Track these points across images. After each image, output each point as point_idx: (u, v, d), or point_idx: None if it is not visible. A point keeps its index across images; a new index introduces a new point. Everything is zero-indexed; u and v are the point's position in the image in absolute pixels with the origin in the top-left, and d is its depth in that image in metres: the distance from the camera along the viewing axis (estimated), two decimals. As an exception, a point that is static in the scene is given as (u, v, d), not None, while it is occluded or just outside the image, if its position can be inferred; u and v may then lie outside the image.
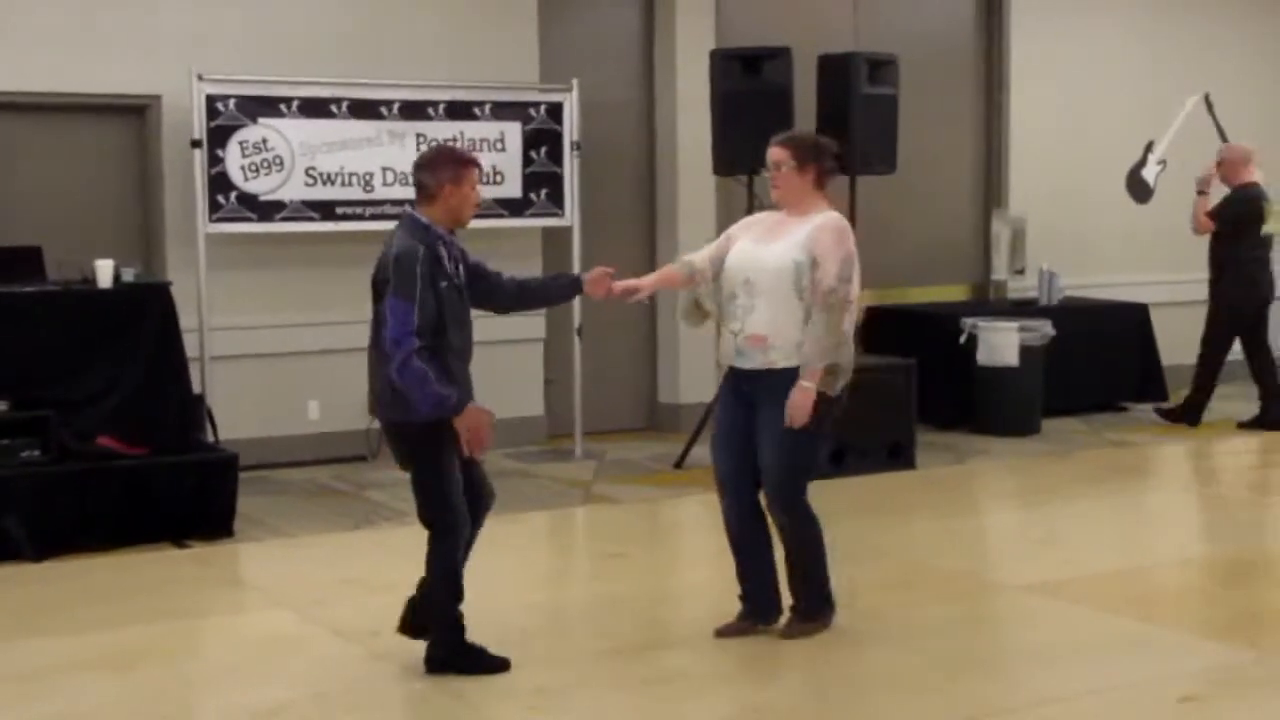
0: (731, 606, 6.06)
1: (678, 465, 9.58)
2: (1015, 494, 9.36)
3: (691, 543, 8.39)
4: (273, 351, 9.32)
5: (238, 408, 8.95)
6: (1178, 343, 11.77)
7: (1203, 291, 11.05)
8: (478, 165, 5.57)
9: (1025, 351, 10.53)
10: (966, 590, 6.84)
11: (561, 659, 5.83)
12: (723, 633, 5.97)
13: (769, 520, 5.95)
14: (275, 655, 5.85)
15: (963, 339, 10.66)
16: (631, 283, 5.94)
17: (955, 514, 8.61)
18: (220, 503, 7.79)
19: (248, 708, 5.27)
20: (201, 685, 5.72)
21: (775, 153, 5.84)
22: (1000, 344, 10.54)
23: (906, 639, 6.04)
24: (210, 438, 8.53)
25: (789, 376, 5.66)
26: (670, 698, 5.49)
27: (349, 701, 5.35)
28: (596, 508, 8.67)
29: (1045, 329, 10.67)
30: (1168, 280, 11.50)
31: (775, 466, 5.77)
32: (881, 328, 11.07)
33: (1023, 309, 11.26)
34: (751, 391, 5.79)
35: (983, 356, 10.58)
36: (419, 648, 5.61)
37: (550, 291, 6.12)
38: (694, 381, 10.67)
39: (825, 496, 8.70)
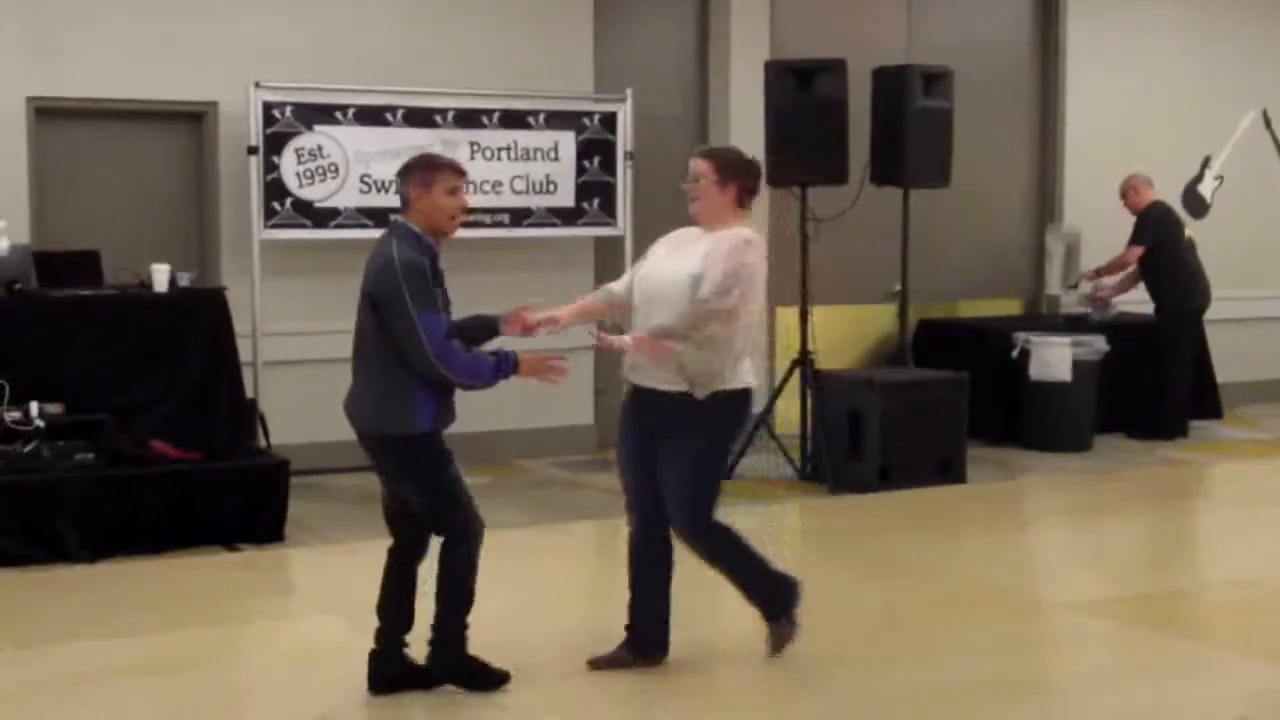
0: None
1: (727, 476, 9.53)
2: (1066, 511, 9.29)
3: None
4: (325, 358, 9.27)
5: (290, 413, 8.98)
6: (1233, 359, 11.67)
7: (1260, 308, 10.99)
8: (455, 170, 5.38)
9: (1078, 367, 10.45)
10: (1016, 609, 6.79)
11: (610, 673, 5.79)
12: (596, 664, 5.75)
13: (672, 552, 5.75)
14: (323, 662, 5.87)
15: (1015, 354, 10.59)
16: (548, 315, 5.67)
17: (1005, 530, 8.55)
18: (271, 508, 7.83)
19: (295, 715, 5.29)
20: (249, 692, 5.75)
21: (697, 165, 5.64)
22: (1053, 359, 10.46)
23: (954, 658, 6.00)
24: (262, 443, 8.57)
25: (679, 402, 5.44)
26: (710, 712, 5.47)
27: (392, 711, 5.35)
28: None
29: (1099, 344, 10.59)
30: (1223, 296, 11.39)
31: (680, 501, 5.57)
32: (933, 342, 11.03)
33: (1076, 324, 11.18)
34: (650, 414, 5.57)
35: (1035, 372, 10.51)
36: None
37: (464, 334, 5.47)
38: (744, 393, 10.64)
39: (874, 511, 8.76)
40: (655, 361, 5.43)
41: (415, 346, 5.14)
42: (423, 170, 5.36)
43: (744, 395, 5.61)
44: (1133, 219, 11.04)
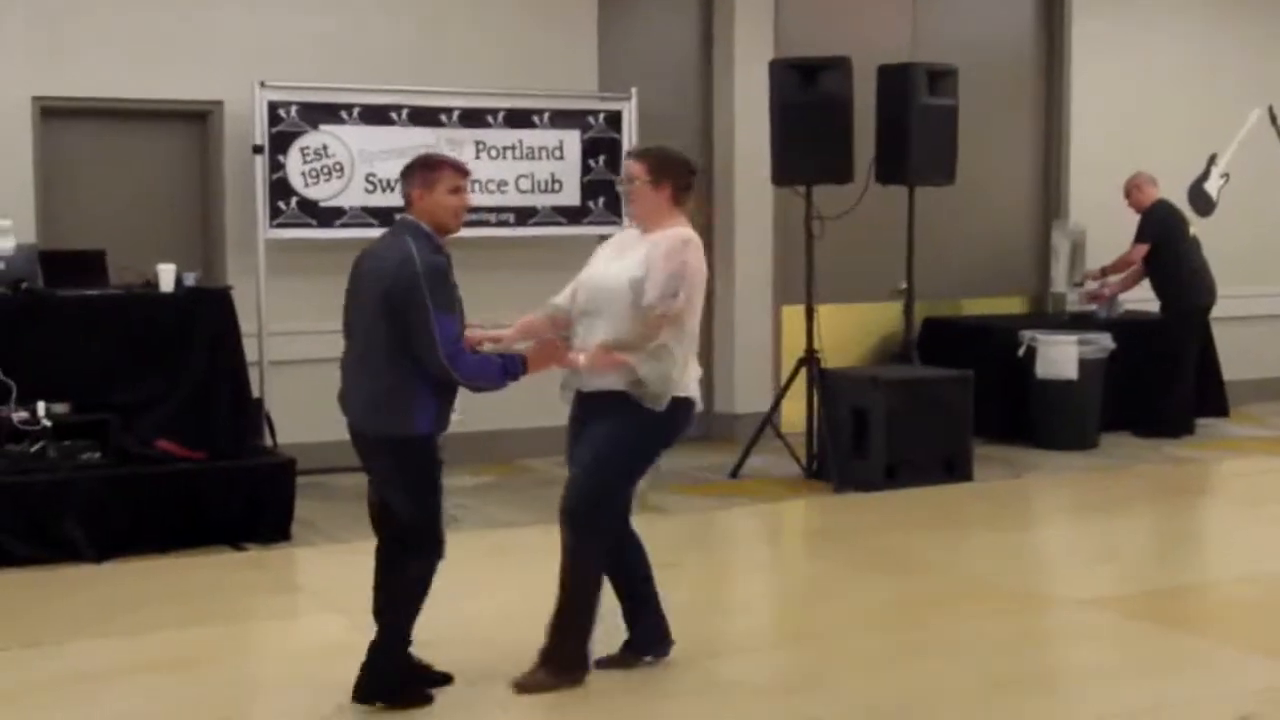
0: (785, 617, 6.04)
1: (733, 475, 9.56)
2: (1072, 508, 9.29)
3: (746, 553, 8.39)
4: (331, 357, 9.17)
5: (296, 412, 8.98)
6: (1239, 357, 11.66)
7: (1266, 305, 10.99)
8: (457, 168, 5.34)
9: (1084, 365, 10.44)
10: (1023, 605, 6.79)
11: (614, 670, 5.79)
12: (601, 664, 5.66)
13: (639, 543, 5.68)
14: (329, 661, 5.85)
15: (1021, 352, 10.58)
16: (490, 334, 5.59)
17: (1011, 528, 8.55)
18: (278, 507, 7.84)
19: (301, 713, 5.30)
20: (256, 689, 5.76)
21: (631, 167, 5.56)
22: (1059, 357, 10.46)
23: (962, 654, 6.00)
24: (268, 442, 8.58)
25: (620, 397, 5.35)
26: (722, 709, 5.47)
27: (399, 710, 5.34)
28: (650, 517, 8.62)
29: (1105, 342, 10.58)
30: (1229, 294, 11.38)
31: (578, 479, 5.47)
32: (939, 340, 11.03)
33: (1082, 322, 11.17)
34: (589, 412, 5.50)
35: (1041, 370, 10.50)
36: (472, 656, 5.61)
37: None
38: (750, 391, 10.66)
39: (880, 509, 8.76)
40: (605, 373, 5.33)
41: (428, 346, 5.09)
42: (424, 170, 5.33)
43: (684, 404, 5.44)
44: (1137, 217, 11.04)
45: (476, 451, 9.31)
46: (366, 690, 5.30)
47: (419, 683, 5.41)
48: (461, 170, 5.38)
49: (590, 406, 5.47)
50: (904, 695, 5.58)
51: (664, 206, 5.51)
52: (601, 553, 5.52)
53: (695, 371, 5.53)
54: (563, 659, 5.49)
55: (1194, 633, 6.33)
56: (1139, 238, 10.97)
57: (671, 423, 5.43)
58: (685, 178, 5.57)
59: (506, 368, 5.26)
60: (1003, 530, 8.38)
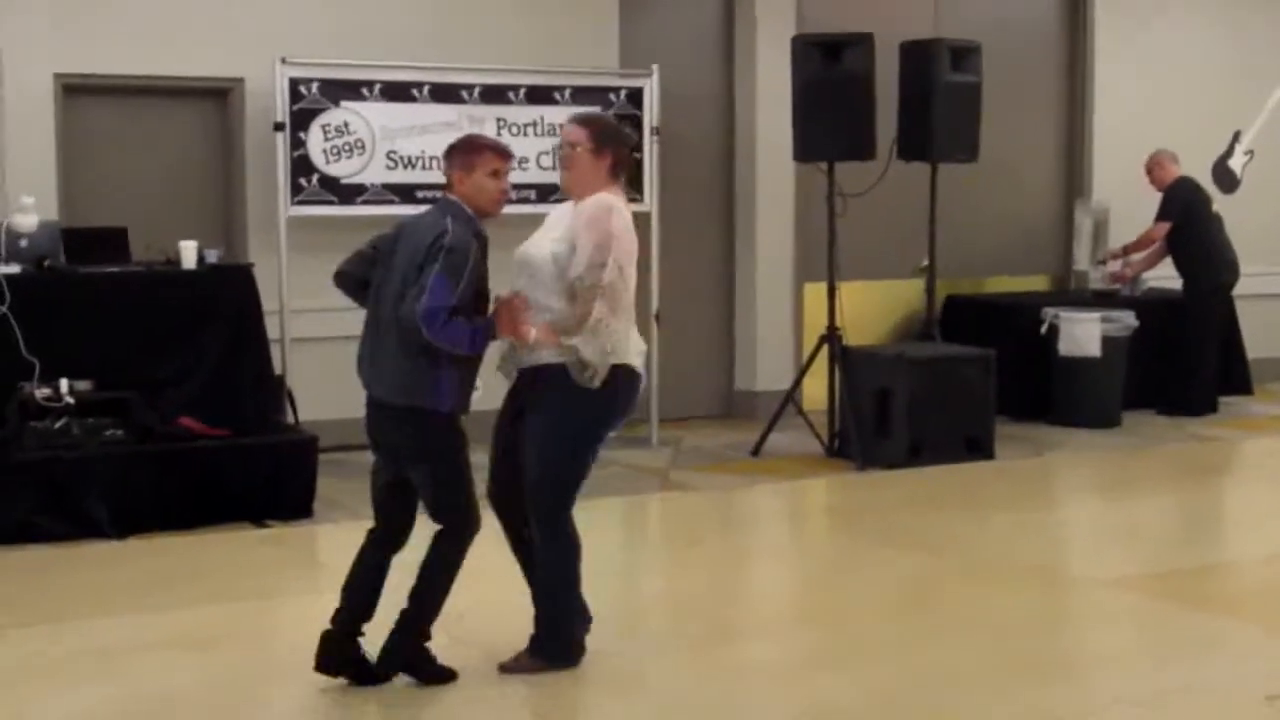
0: (807, 597, 6.03)
1: (754, 453, 9.55)
2: (1095, 487, 9.26)
3: (767, 531, 8.38)
4: (353, 334, 9.25)
5: (318, 390, 8.98)
6: (1263, 334, 11.60)
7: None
8: (499, 152, 5.29)
9: (1107, 343, 10.40)
10: (1046, 585, 6.77)
11: (636, 646, 5.81)
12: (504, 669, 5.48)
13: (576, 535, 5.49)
14: (353, 637, 5.87)
15: (1043, 329, 10.54)
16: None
17: (1034, 507, 8.52)
18: (300, 484, 7.85)
19: (324, 690, 5.30)
20: (279, 666, 5.76)
21: (572, 132, 5.41)
22: (1082, 335, 10.41)
23: (985, 634, 5.99)
24: (290, 419, 8.58)
25: (558, 376, 5.23)
26: (746, 687, 5.46)
27: (422, 686, 5.35)
28: (672, 495, 8.66)
29: (1128, 320, 10.53)
30: (1254, 272, 11.33)
31: (531, 475, 5.33)
32: (961, 317, 11.00)
33: (1105, 300, 11.12)
34: (524, 393, 5.38)
35: (1063, 347, 10.46)
36: (498, 632, 5.61)
37: None
38: (771, 369, 10.64)
39: (903, 487, 8.74)
40: (545, 348, 5.23)
41: (414, 297, 5.03)
42: (465, 153, 5.32)
43: (627, 374, 5.32)
44: (1159, 195, 10.98)
45: (485, 432, 9.28)
46: (388, 663, 5.31)
47: (363, 676, 5.36)
48: (503, 154, 5.33)
49: (529, 383, 5.34)
50: (926, 675, 5.56)
51: (601, 177, 5.36)
52: (568, 536, 5.41)
53: (638, 344, 5.40)
54: (548, 643, 5.44)
55: (1219, 613, 6.30)
56: (1160, 215, 10.91)
57: (613, 398, 5.31)
58: (627, 152, 5.47)
59: (476, 330, 5.14)
60: (1026, 509, 8.36)
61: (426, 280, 5.04)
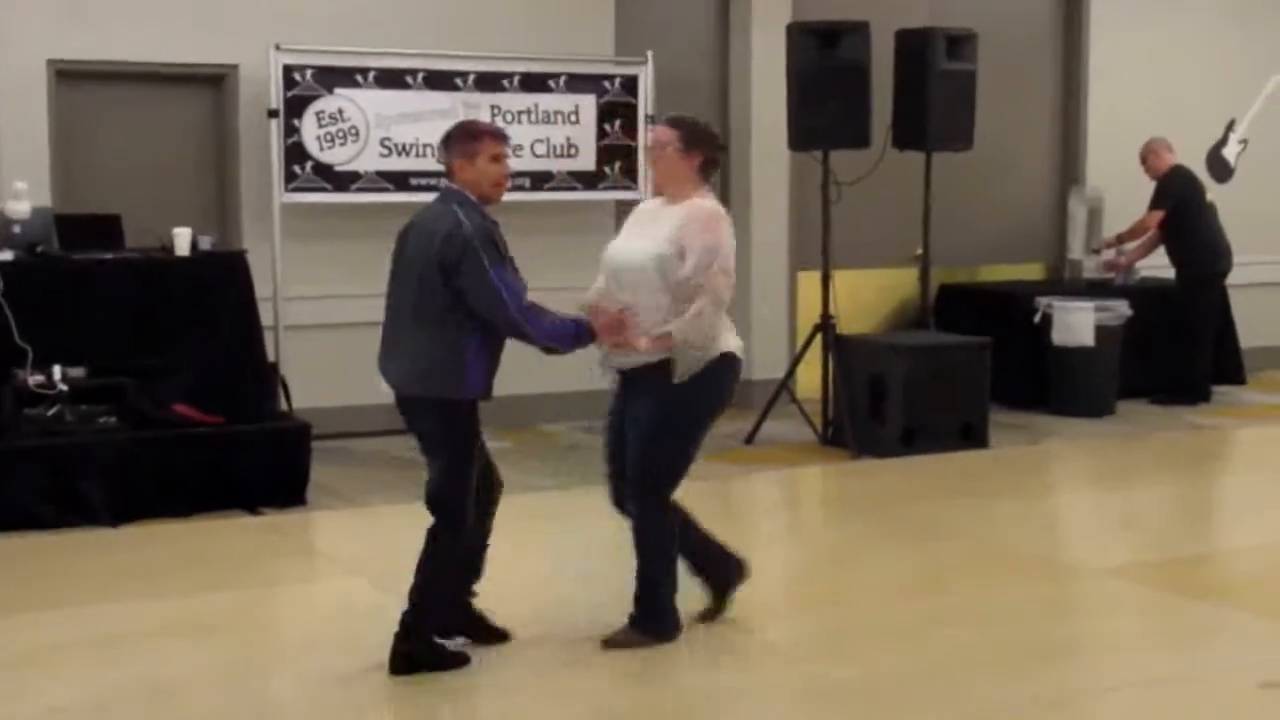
0: (808, 584, 6.03)
1: (748, 441, 9.54)
2: (1091, 476, 9.27)
3: (762, 520, 8.37)
4: (346, 321, 9.32)
5: (311, 377, 8.98)
6: (1257, 324, 11.61)
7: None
8: (497, 136, 5.35)
9: (1101, 332, 10.40)
10: (1043, 573, 6.77)
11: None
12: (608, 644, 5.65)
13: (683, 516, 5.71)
14: (350, 624, 5.87)
15: (1037, 318, 10.54)
16: None
17: (1030, 495, 8.52)
18: (294, 472, 7.83)
19: (323, 675, 5.30)
20: (277, 652, 5.77)
21: (662, 133, 5.55)
22: (1076, 324, 10.42)
23: (982, 622, 5.99)
24: (284, 407, 8.57)
25: (662, 370, 5.39)
26: (743, 675, 5.47)
27: (423, 672, 5.35)
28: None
29: (1122, 309, 10.54)
30: (1247, 261, 11.33)
31: (635, 458, 5.49)
32: (956, 306, 10.99)
33: (1099, 289, 11.12)
34: (627, 387, 5.55)
35: (1058, 336, 10.46)
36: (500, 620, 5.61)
37: None
38: (765, 358, 10.61)
39: (897, 475, 8.74)
40: (650, 350, 5.37)
41: (496, 305, 5.11)
42: (464, 140, 5.32)
43: (728, 361, 5.51)
44: (1153, 183, 10.97)
45: (495, 416, 9.22)
46: (404, 663, 5.29)
47: (479, 631, 5.47)
48: (501, 137, 5.38)
49: (632, 383, 5.50)
50: (924, 663, 5.56)
51: (691, 176, 5.52)
52: (669, 517, 5.59)
53: (736, 341, 5.58)
54: (649, 620, 5.58)
55: (1215, 601, 6.31)
56: (1155, 204, 10.91)
57: (716, 387, 5.50)
58: (716, 151, 5.62)
59: (579, 331, 5.29)
60: (1022, 498, 8.36)
61: (489, 284, 5.08)
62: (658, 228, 5.48)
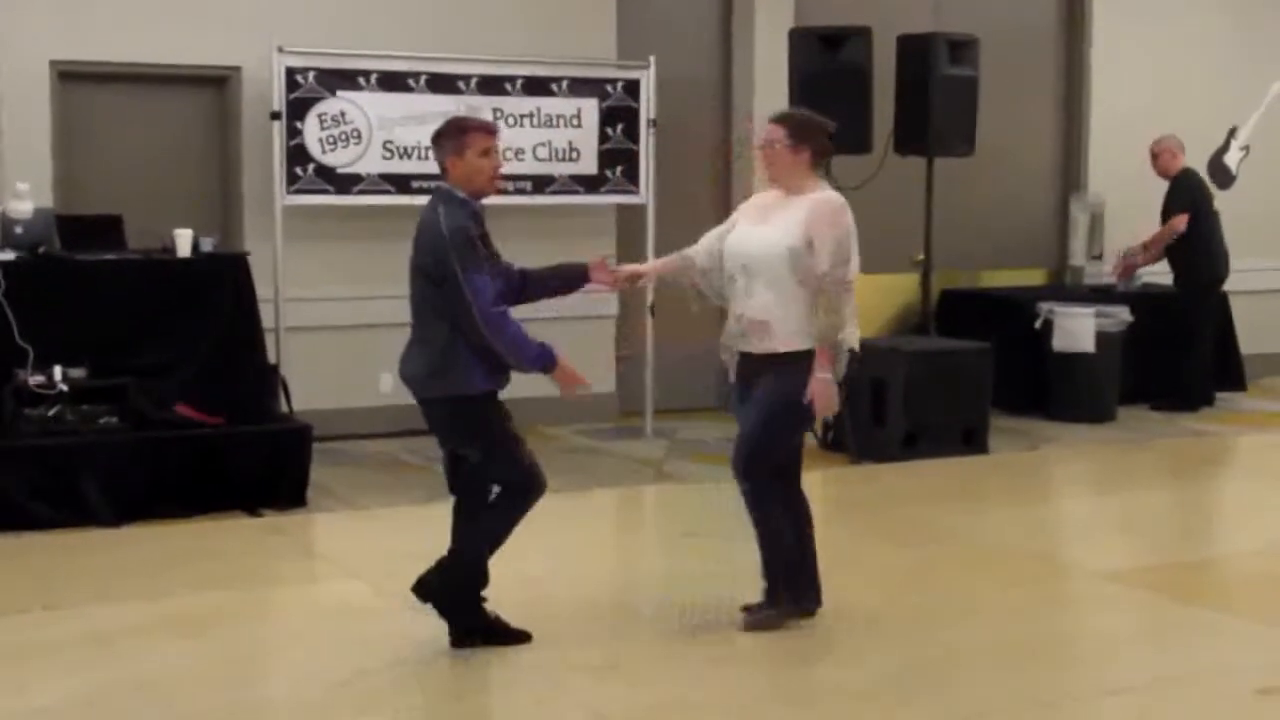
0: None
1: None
2: (1090, 480, 9.27)
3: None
4: (347, 324, 9.36)
5: (312, 379, 8.99)
6: (1257, 331, 11.61)
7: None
8: (485, 130, 5.42)
9: (1102, 338, 10.41)
10: (1040, 576, 6.77)
11: (632, 635, 5.82)
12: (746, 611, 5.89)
13: (800, 504, 5.91)
14: (348, 625, 5.88)
15: (1038, 324, 10.55)
16: (633, 268, 6.06)
17: (1029, 500, 8.53)
18: (294, 473, 7.84)
19: (321, 676, 5.30)
20: (275, 653, 5.77)
21: (770, 130, 5.73)
22: (1076, 330, 10.42)
23: (979, 624, 6.00)
24: (284, 408, 8.57)
25: (789, 360, 5.59)
26: (740, 676, 5.47)
27: (419, 673, 5.36)
28: (667, 486, 8.66)
29: (1123, 315, 10.54)
30: (1248, 268, 11.34)
31: (748, 436, 5.70)
32: (956, 311, 11.00)
33: (1100, 295, 11.12)
34: (753, 372, 5.72)
35: (1058, 342, 10.46)
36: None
37: (551, 282, 5.77)
38: (766, 362, 10.63)
39: (897, 479, 8.74)
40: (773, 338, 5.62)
41: (464, 312, 5.21)
42: (454, 135, 5.39)
43: (852, 356, 5.69)
44: (1158, 183, 10.91)
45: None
46: (424, 590, 5.44)
47: (497, 635, 5.50)
48: (489, 130, 5.45)
49: (754, 367, 5.69)
50: (924, 662, 5.57)
51: (802, 169, 5.68)
52: (777, 494, 5.77)
53: (855, 326, 5.73)
54: (789, 591, 5.78)
55: (1211, 605, 6.31)
56: (1178, 207, 10.80)
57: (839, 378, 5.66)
58: (824, 142, 5.75)
59: (542, 355, 5.34)
60: (1021, 502, 8.36)
61: (460, 292, 5.19)
62: (783, 218, 5.64)
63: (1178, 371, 10.92)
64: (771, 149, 5.69)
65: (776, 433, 5.70)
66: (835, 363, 5.59)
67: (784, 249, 5.56)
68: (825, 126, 5.78)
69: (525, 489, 5.43)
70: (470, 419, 5.38)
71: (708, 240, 5.89)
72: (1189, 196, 10.82)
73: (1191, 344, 10.88)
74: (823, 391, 5.56)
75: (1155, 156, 10.96)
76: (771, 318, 5.60)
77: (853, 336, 5.66)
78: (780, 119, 5.78)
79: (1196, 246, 10.85)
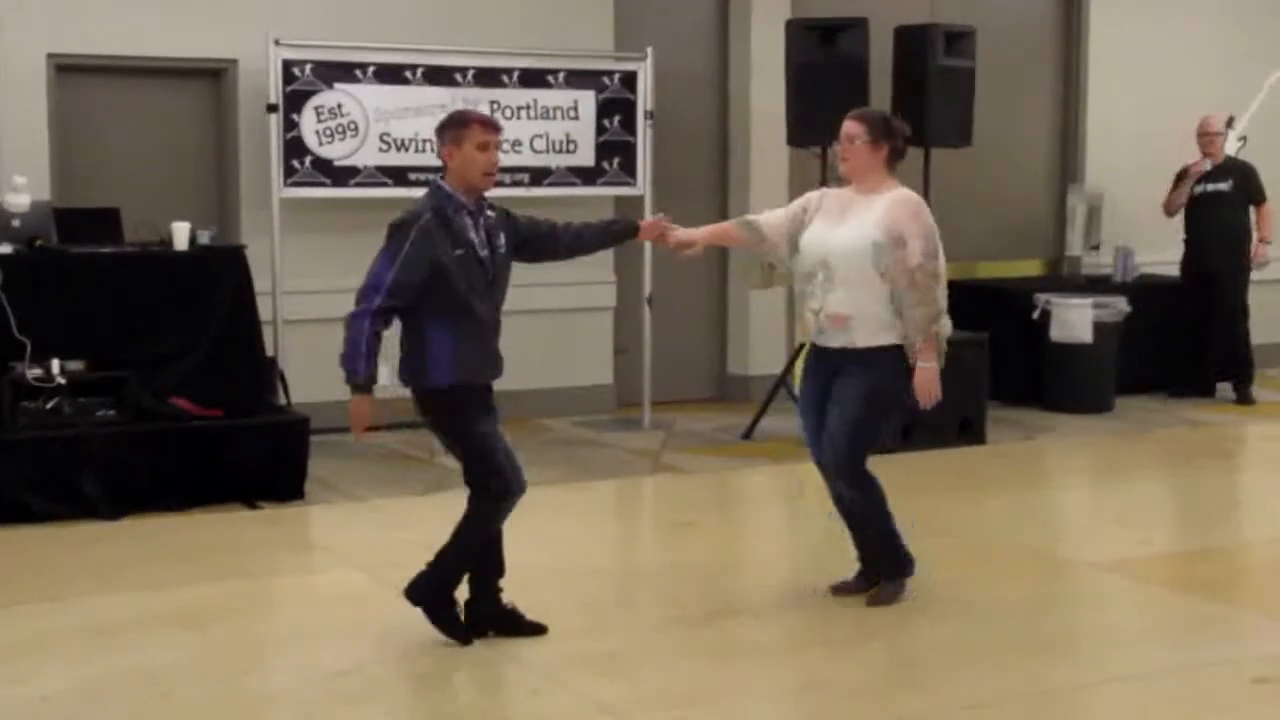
0: (801, 577, 6.05)
1: (746, 436, 9.55)
2: (1087, 471, 9.28)
3: (759, 513, 8.39)
4: (345, 316, 9.33)
5: (310, 371, 8.94)
6: (1258, 321, 11.60)
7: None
8: (486, 124, 5.43)
9: (1099, 328, 10.41)
10: (1039, 567, 6.79)
11: (629, 627, 5.84)
12: (838, 590, 6.08)
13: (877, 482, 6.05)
14: (346, 617, 5.89)
15: (1036, 314, 10.55)
16: (686, 234, 6.04)
17: (1027, 491, 8.54)
18: (292, 465, 7.84)
19: (319, 667, 5.31)
20: (273, 644, 5.78)
21: (850, 127, 5.86)
22: (1074, 320, 10.42)
23: (978, 615, 6.00)
24: (282, 401, 8.58)
25: (869, 355, 5.76)
26: (738, 667, 5.49)
27: (418, 665, 5.38)
28: (664, 477, 8.67)
29: (1120, 306, 10.54)
30: (1245, 257, 11.32)
31: (841, 437, 5.85)
32: (954, 302, 10.90)
33: (1097, 285, 11.12)
34: (832, 368, 5.86)
35: (1056, 333, 10.47)
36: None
37: (605, 236, 5.92)
38: (763, 353, 10.64)
39: (894, 471, 8.66)
40: (851, 330, 5.76)
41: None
42: (453, 128, 5.41)
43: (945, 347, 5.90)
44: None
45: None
46: (413, 592, 5.44)
47: (511, 625, 5.51)
48: (490, 126, 5.44)
49: (836, 362, 5.83)
50: (922, 653, 5.60)
51: (879, 167, 5.85)
52: (875, 482, 5.97)
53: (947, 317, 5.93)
54: (891, 570, 5.99)
55: (1212, 597, 6.31)
56: (1259, 193, 10.86)
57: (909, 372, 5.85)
58: (902, 141, 5.89)
59: (354, 374, 5.29)
60: (1018, 493, 8.37)
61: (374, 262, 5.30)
62: (862, 215, 5.77)
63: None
64: (851, 145, 5.82)
65: (866, 429, 5.86)
66: (936, 352, 5.78)
67: (868, 243, 5.69)
68: (904, 129, 5.93)
69: (489, 492, 5.36)
70: (437, 412, 5.38)
71: (778, 220, 6.02)
72: (1257, 175, 10.82)
73: (1230, 328, 10.84)
74: (926, 380, 5.76)
75: (1213, 136, 10.82)
76: (852, 312, 5.74)
77: (947, 327, 5.85)
78: (860, 117, 5.91)
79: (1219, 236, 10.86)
